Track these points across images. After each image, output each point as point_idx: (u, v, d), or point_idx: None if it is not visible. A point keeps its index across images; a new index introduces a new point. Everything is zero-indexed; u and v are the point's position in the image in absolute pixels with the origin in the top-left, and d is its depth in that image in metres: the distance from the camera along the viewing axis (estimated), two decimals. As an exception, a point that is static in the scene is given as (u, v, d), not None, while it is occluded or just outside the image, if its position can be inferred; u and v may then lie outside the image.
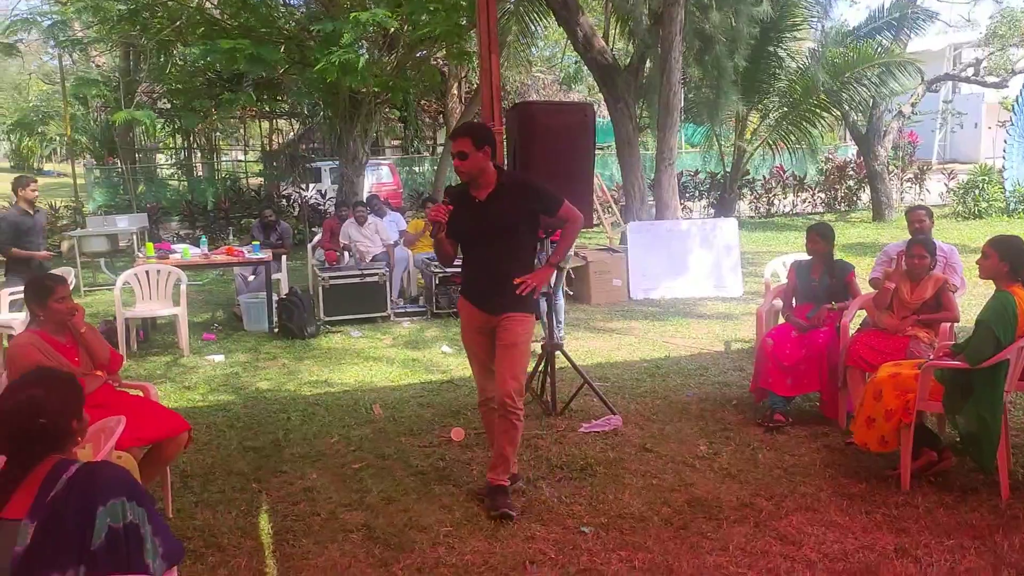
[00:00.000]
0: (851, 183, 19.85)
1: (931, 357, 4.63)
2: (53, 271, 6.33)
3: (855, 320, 5.65)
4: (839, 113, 16.68)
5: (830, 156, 21.38)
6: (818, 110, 15.92)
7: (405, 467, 4.77)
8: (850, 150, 21.37)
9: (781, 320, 5.91)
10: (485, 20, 4.88)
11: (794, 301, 5.83)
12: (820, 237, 5.69)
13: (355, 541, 3.89)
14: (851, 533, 3.83)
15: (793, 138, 16.30)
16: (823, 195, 19.97)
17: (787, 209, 19.69)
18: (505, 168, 4.97)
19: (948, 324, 5.20)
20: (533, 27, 16.50)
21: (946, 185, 18.61)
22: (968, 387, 4.19)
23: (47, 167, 37.79)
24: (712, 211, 18.07)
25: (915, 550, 3.63)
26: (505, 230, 4.11)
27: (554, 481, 4.55)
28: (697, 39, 12.40)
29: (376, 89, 13.58)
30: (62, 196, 19.30)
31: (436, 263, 8.80)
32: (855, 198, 19.92)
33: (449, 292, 8.88)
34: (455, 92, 22.99)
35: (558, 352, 5.74)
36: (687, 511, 4.12)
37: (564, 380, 6.03)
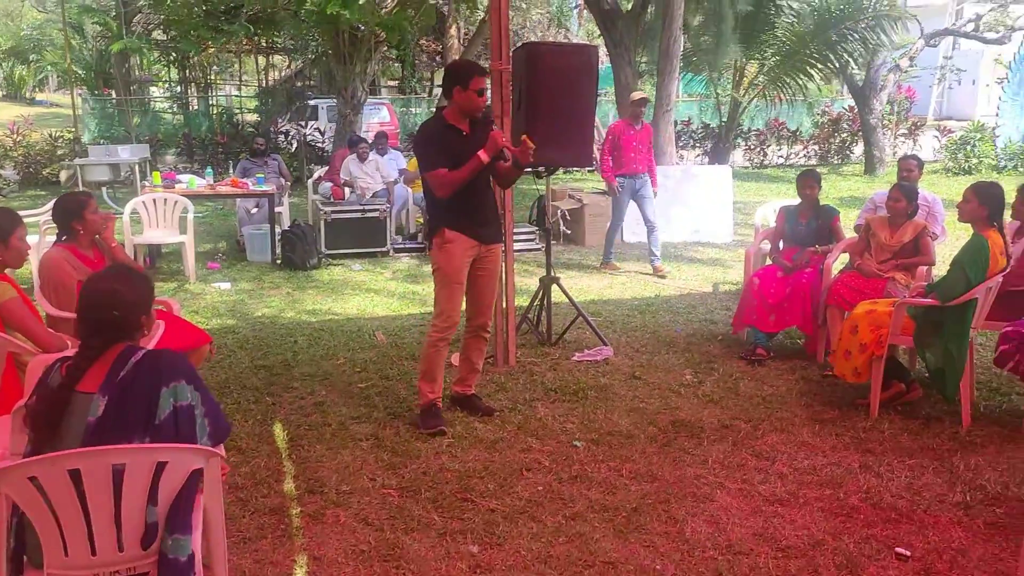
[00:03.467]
0: (845, 136, 20.03)
1: (907, 297, 4.94)
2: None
3: (838, 262, 5.94)
4: (836, 65, 16.78)
5: (826, 109, 21.52)
6: (814, 61, 16.02)
7: (408, 387, 5.06)
8: (847, 103, 21.50)
9: (768, 262, 6.19)
10: (495, -41, 5.04)
11: (781, 244, 6.13)
12: (815, 182, 5.97)
13: (364, 448, 4.21)
14: (821, 452, 4.17)
15: (790, 89, 16.43)
16: (817, 147, 20.16)
17: (780, 161, 19.89)
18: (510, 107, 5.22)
19: (925, 268, 5.50)
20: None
21: (939, 140, 18.82)
22: (939, 323, 4.49)
23: (39, 96, 37.44)
24: (706, 160, 18.26)
25: (878, 467, 3.98)
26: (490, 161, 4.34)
27: (548, 403, 4.87)
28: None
29: (375, 27, 13.61)
30: (56, 126, 19.31)
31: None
32: (849, 151, 20.12)
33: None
34: (454, 33, 22.90)
35: (554, 285, 6.02)
36: (671, 430, 4.45)
37: (559, 313, 6.32)
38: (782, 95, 17.00)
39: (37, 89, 39.07)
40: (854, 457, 4.10)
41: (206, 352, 4.38)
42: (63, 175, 15.31)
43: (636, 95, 8.75)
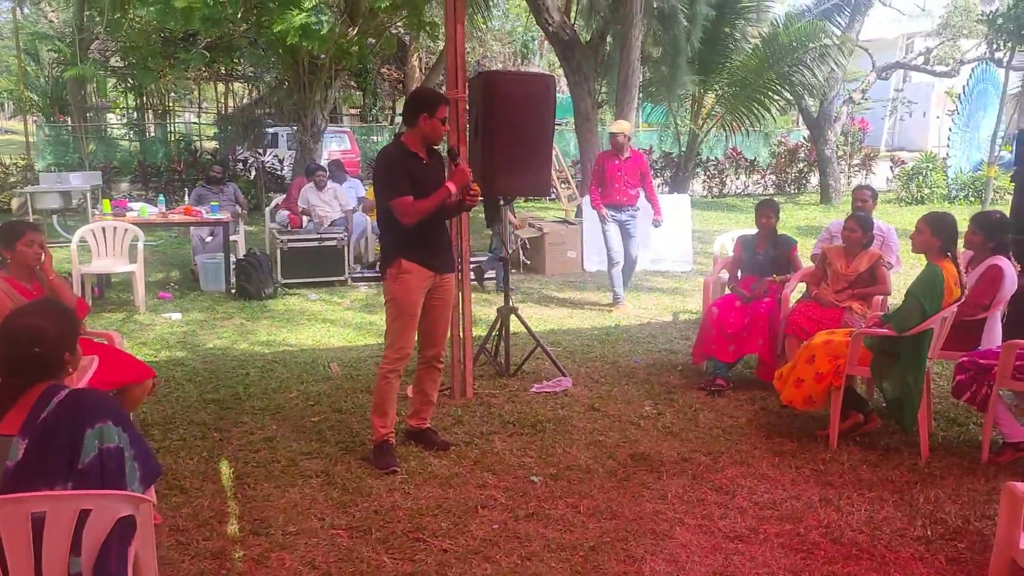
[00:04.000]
0: (802, 166, 20.32)
1: (863, 327, 4.93)
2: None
3: (795, 292, 5.94)
4: (791, 96, 17.05)
5: (783, 140, 21.85)
6: (769, 92, 16.26)
7: (362, 421, 4.92)
8: (803, 134, 21.85)
9: (727, 291, 6.18)
10: (452, -11, 5.00)
11: (739, 273, 6.12)
12: (772, 212, 5.98)
13: (314, 486, 4.07)
14: (780, 485, 4.11)
15: (747, 120, 16.64)
16: (774, 177, 20.42)
17: (739, 190, 20.10)
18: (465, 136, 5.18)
19: (880, 297, 5.52)
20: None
21: (892, 171, 19.17)
22: (895, 354, 4.48)
23: (-8, 123, 36.78)
24: (666, 189, 18.38)
25: (838, 500, 3.92)
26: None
27: (506, 436, 4.76)
28: (655, 18, 12.59)
29: (335, 56, 13.54)
30: (11, 153, 18.93)
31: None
32: (805, 181, 20.40)
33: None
34: (415, 62, 22.94)
35: (512, 316, 5.93)
36: (630, 464, 4.37)
37: (517, 344, 6.24)
38: (739, 125, 17.22)
39: (-11, 115, 38.40)
40: (814, 490, 4.05)
41: (149, 387, 4.21)
42: (14, 203, 14.92)
43: (611, 126, 8.64)
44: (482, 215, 7.79)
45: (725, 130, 17.48)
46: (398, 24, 16.10)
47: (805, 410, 4.74)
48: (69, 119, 20.80)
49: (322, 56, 13.72)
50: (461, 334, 5.34)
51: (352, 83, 23.34)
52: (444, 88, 6.31)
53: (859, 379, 5.02)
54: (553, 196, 15.64)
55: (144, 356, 6.37)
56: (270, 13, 12.59)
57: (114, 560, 2.13)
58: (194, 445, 4.58)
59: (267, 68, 19.11)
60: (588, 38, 12.87)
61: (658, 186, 19.47)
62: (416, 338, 4.44)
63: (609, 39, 12.99)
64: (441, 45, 18.64)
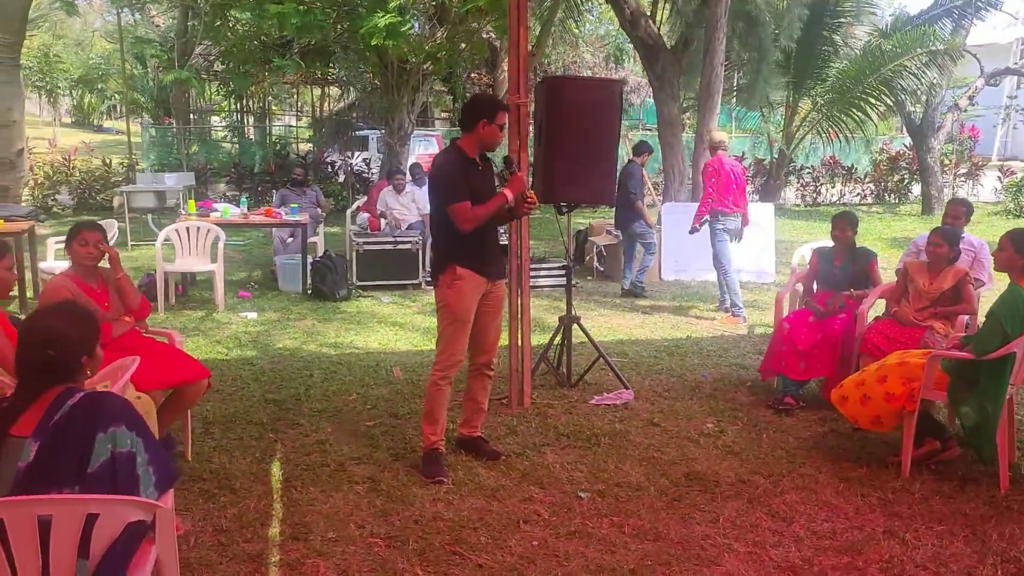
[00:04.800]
0: (903, 175, 19.48)
1: (944, 348, 4.64)
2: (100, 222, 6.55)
3: (873, 309, 5.64)
4: (892, 102, 16.37)
5: (885, 147, 20.99)
6: (870, 98, 15.65)
7: (415, 427, 4.89)
8: (906, 141, 20.95)
9: (801, 305, 5.92)
10: (516, -8, 4.94)
11: (815, 287, 5.85)
12: (848, 225, 5.69)
13: (359, 492, 4.05)
14: (843, 514, 3.88)
15: (847, 127, 16.04)
16: (873, 186, 19.64)
17: (835, 199, 19.39)
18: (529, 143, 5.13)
19: (966, 317, 5.18)
20: (584, 4, 16.45)
21: (1000, 181, 18.18)
22: (974, 378, 4.19)
23: (107, 124, 38.67)
24: (756, 197, 17.90)
25: (904, 533, 3.68)
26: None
27: (559, 448, 4.66)
28: (742, 21, 12.25)
29: (422, 59, 13.67)
30: (120, 153, 19.81)
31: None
32: (906, 190, 19.55)
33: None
34: (505, 67, 22.99)
35: (575, 325, 5.82)
36: (684, 483, 4.21)
37: (583, 354, 6.12)
38: (837, 132, 16.62)
39: (106, 116, 40.41)
40: (879, 520, 3.81)
41: (204, 387, 4.27)
42: (116, 201, 15.61)
43: (716, 133, 8.63)
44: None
45: (821, 136, 16.92)
46: (488, 29, 16.18)
47: (872, 430, 4.49)
48: (174, 121, 21.69)
49: (411, 60, 13.87)
50: (519, 342, 5.26)
51: (442, 87, 23.57)
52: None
53: (942, 405, 4.72)
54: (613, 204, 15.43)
55: (216, 354, 6.54)
56: (359, 18, 12.81)
57: (120, 565, 2.13)
58: (249, 445, 4.64)
59: (358, 72, 19.49)
60: (673, 43, 12.61)
61: (748, 194, 19.02)
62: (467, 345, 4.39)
63: (694, 44, 12.72)
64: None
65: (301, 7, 12.53)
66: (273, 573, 3.31)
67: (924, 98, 16.28)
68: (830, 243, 5.93)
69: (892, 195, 19.60)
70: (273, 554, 3.45)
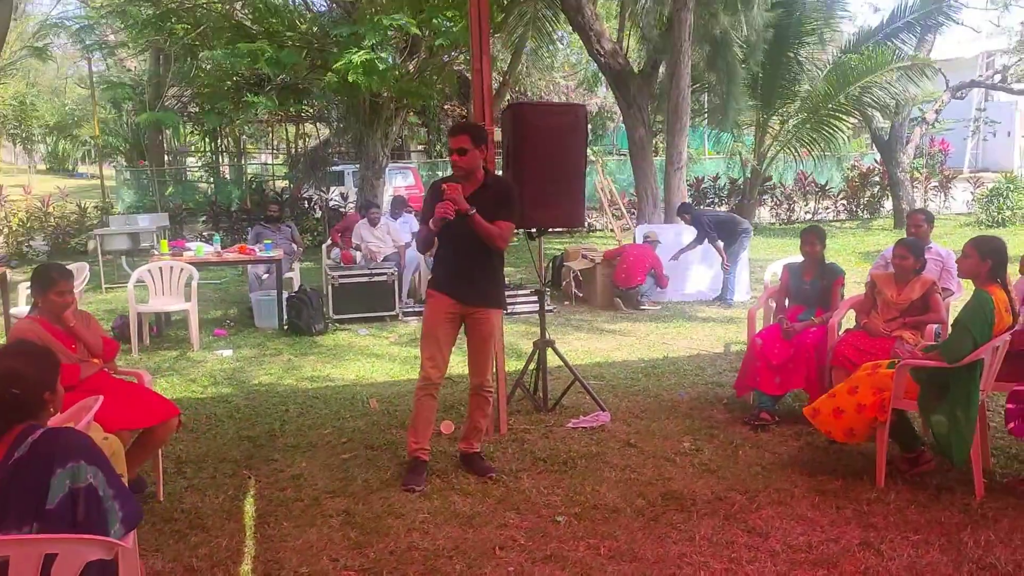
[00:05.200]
0: (875, 190, 19.70)
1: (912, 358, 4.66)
2: (71, 266, 6.51)
3: (845, 320, 5.68)
4: (861, 119, 16.59)
5: (856, 163, 21.23)
6: (839, 115, 15.85)
7: (392, 457, 4.87)
8: (876, 157, 21.21)
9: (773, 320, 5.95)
10: (476, 21, 4.98)
11: (787, 302, 5.89)
12: (817, 239, 5.74)
13: (333, 525, 4.01)
14: (819, 527, 3.88)
15: (818, 145, 16.23)
16: (845, 202, 19.84)
17: (808, 216, 19.57)
18: (497, 169, 5.16)
19: (935, 327, 5.22)
20: (555, 32, 16.61)
21: (972, 193, 18.43)
22: (944, 386, 4.21)
23: (81, 169, 38.55)
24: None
25: (879, 544, 3.67)
26: None
27: (535, 473, 4.64)
28: (708, 44, 12.42)
29: (394, 94, 13.75)
30: (94, 197, 19.76)
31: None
32: (878, 205, 19.77)
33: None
34: (478, 97, 23.15)
35: (549, 349, 5.82)
36: (660, 503, 4.19)
37: (560, 378, 6.12)
38: (808, 150, 16.80)
39: (80, 162, 40.25)
40: (854, 532, 3.81)
41: (174, 426, 4.23)
42: (89, 244, 15.55)
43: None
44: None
45: (793, 155, 17.10)
46: (459, 62, 16.33)
47: (846, 442, 4.51)
48: (148, 164, 21.68)
49: (382, 94, 13.94)
50: (494, 368, 5.25)
51: (416, 120, 23.70)
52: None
53: (917, 415, 4.74)
54: (599, 227, 15.53)
55: (190, 393, 6.49)
56: (332, 56, 12.88)
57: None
58: (222, 483, 4.58)
59: (332, 108, 19.59)
60: (640, 67, 12.76)
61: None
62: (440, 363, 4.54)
63: (662, 67, 12.87)
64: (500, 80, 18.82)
65: (272, 44, 12.62)
66: (244, 611, 3.26)
67: (893, 112, 16.49)
68: (799, 259, 5.98)
69: (864, 210, 19.80)
70: (245, 592, 3.40)
